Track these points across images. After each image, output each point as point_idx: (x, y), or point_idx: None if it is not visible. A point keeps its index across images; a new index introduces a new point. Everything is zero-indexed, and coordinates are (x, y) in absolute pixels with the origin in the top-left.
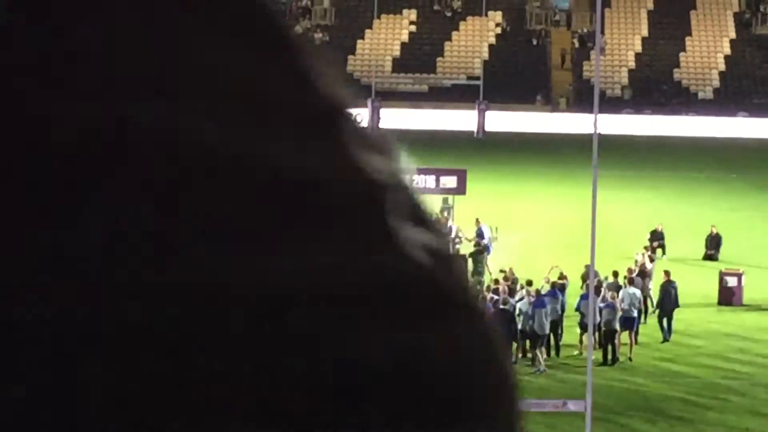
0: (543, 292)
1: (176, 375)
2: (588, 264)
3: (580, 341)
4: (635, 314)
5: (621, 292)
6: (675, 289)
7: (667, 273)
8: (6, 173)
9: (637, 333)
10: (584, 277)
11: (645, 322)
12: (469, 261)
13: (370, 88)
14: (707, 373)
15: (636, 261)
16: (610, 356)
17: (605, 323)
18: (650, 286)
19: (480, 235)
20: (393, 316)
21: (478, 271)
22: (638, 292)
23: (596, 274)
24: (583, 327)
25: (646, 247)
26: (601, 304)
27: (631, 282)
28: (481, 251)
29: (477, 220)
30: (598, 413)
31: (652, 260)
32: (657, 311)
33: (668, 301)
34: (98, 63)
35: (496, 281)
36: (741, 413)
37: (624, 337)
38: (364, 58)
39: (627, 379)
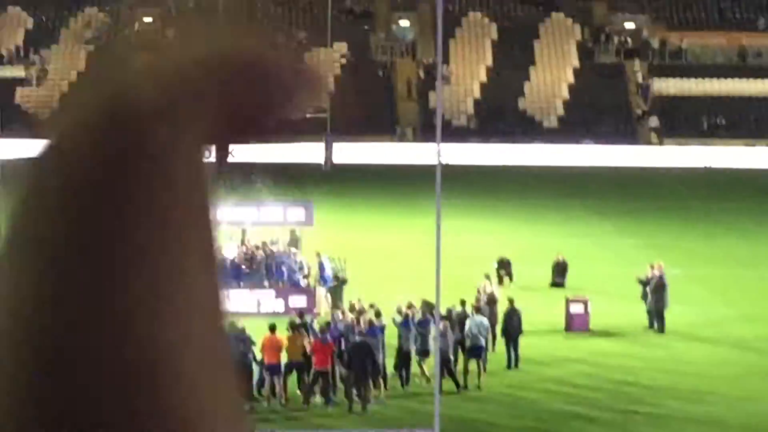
0: (395, 321)
1: None
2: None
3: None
4: (482, 342)
5: (468, 321)
6: (519, 315)
7: (511, 300)
8: None
9: (485, 361)
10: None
11: (494, 350)
12: (328, 295)
13: None
14: (555, 399)
15: (479, 290)
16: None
17: (442, 352)
18: (497, 314)
19: (321, 268)
20: None
21: (336, 305)
22: (485, 321)
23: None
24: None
25: (487, 276)
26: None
27: (477, 310)
28: (339, 285)
29: (318, 254)
30: None
31: (501, 282)
32: (503, 338)
33: (512, 327)
34: None
35: (342, 312)
36: None
37: (472, 364)
38: None
39: (476, 407)
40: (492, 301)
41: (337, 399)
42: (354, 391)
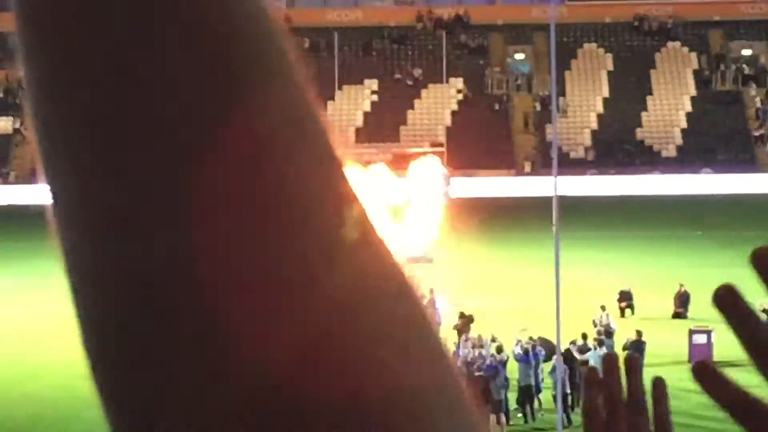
0: (515, 354)
1: None
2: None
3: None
4: None
5: (590, 354)
6: (644, 347)
7: (639, 333)
8: None
9: None
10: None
11: None
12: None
13: None
14: (679, 431)
15: (595, 322)
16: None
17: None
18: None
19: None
20: None
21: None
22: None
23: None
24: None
25: (602, 307)
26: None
27: (600, 344)
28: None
29: (431, 290)
30: None
31: (622, 314)
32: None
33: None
34: None
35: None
36: None
37: None
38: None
39: None
40: (609, 333)
41: None
42: None
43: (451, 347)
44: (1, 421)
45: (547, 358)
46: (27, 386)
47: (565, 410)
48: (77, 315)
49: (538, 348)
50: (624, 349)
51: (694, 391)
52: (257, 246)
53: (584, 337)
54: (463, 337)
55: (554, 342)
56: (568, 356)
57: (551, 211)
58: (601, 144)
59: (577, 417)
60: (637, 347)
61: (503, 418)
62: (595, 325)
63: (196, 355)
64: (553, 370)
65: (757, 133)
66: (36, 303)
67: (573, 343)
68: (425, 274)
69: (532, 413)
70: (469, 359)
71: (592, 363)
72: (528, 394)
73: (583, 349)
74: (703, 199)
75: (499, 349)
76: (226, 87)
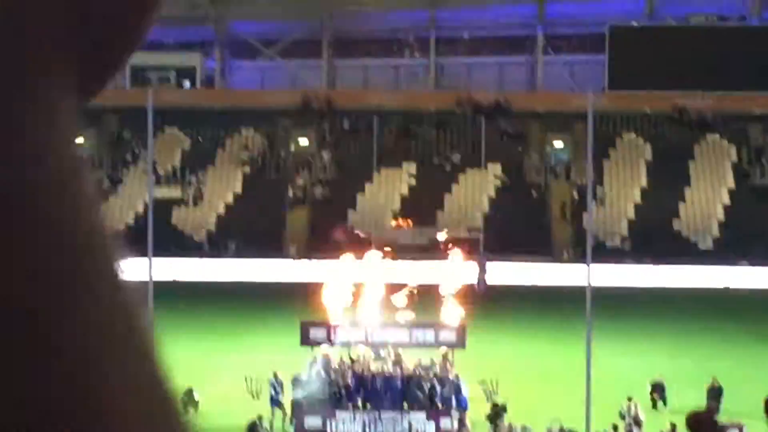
0: None
1: None
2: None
3: None
4: None
5: None
6: None
7: (673, 425)
8: None
9: None
10: None
11: None
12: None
13: (370, 242)
14: None
15: (623, 414)
16: None
17: None
18: None
19: (457, 390)
20: None
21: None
22: None
23: None
24: None
25: (629, 398)
26: None
27: None
28: (497, 412)
29: (457, 376)
30: None
31: (655, 405)
32: None
33: None
34: None
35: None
36: None
37: None
38: (365, 211)
39: None
40: (638, 423)
41: None
42: None
43: None
44: None
45: None
46: None
47: None
48: None
49: None
50: None
51: None
52: None
53: (615, 428)
54: (495, 425)
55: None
56: None
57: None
58: (638, 234)
59: None
60: None
61: None
62: (623, 417)
63: None
64: None
65: None
66: None
67: None
68: (457, 360)
69: None
70: None
71: None
72: None
73: None
74: (739, 293)
75: None
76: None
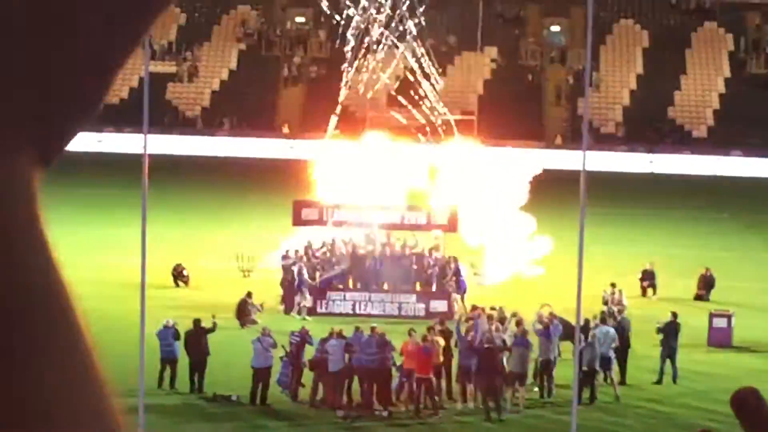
0: (535, 329)
1: None
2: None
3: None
4: (611, 353)
5: (597, 331)
6: (679, 329)
7: (674, 314)
8: None
9: (623, 372)
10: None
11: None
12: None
13: (364, 122)
14: (694, 415)
15: (606, 299)
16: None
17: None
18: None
19: (457, 273)
20: None
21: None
22: (612, 331)
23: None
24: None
25: (612, 284)
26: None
27: (603, 321)
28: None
29: (454, 259)
30: None
31: (644, 293)
32: (659, 350)
33: (674, 341)
34: None
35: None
36: None
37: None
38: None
39: (612, 420)
40: (620, 310)
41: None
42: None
43: (469, 323)
44: None
45: (565, 337)
46: None
47: (581, 386)
48: None
49: (555, 322)
50: (658, 332)
51: (713, 374)
52: None
53: (607, 315)
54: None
55: (572, 321)
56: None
57: (578, 186)
58: (633, 121)
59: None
60: (672, 329)
61: (523, 391)
62: (606, 303)
63: None
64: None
65: None
66: None
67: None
68: (449, 243)
69: (550, 388)
70: (489, 334)
71: (599, 337)
72: (547, 368)
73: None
74: (732, 182)
75: (519, 323)
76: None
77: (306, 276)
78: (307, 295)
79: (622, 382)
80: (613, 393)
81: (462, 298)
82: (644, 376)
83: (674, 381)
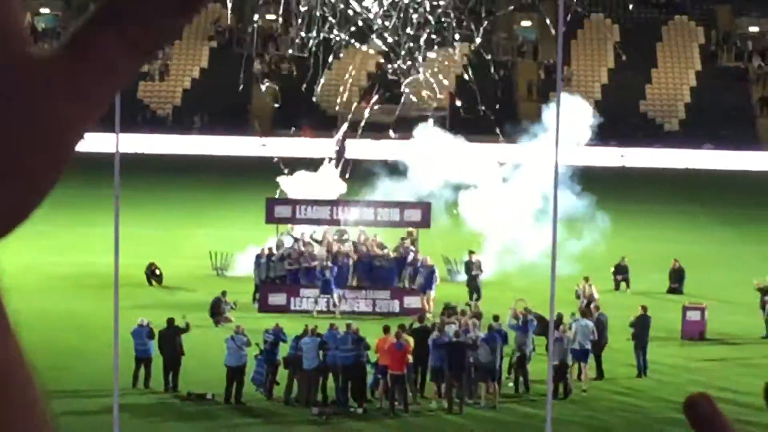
0: (510, 324)
1: None
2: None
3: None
4: (588, 346)
5: (574, 325)
6: (649, 323)
7: (644, 308)
8: None
9: (598, 364)
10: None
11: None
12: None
13: (335, 119)
14: (667, 408)
15: (578, 293)
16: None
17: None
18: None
19: (426, 270)
20: None
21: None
22: (590, 324)
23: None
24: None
25: (585, 278)
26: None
27: (583, 314)
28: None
29: (427, 258)
30: None
31: (617, 287)
32: (633, 344)
33: (645, 334)
34: None
35: (448, 313)
36: None
37: (575, 369)
38: (331, 88)
39: (585, 413)
40: (590, 303)
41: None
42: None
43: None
44: None
45: (541, 332)
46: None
47: (557, 381)
48: None
49: (530, 317)
50: (631, 326)
51: (687, 368)
52: None
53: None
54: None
55: (547, 316)
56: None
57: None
58: (604, 115)
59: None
60: (642, 323)
61: (495, 386)
62: (578, 297)
63: None
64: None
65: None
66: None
67: (561, 314)
68: (425, 241)
69: (525, 383)
70: (463, 329)
71: (574, 332)
72: (521, 363)
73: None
74: (704, 175)
75: (495, 318)
76: None
77: (279, 273)
78: (281, 293)
79: (600, 377)
80: (583, 386)
81: (428, 296)
82: (618, 370)
83: (645, 373)
